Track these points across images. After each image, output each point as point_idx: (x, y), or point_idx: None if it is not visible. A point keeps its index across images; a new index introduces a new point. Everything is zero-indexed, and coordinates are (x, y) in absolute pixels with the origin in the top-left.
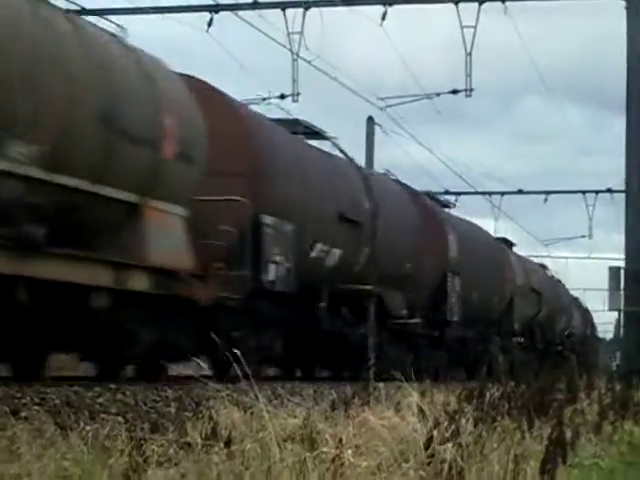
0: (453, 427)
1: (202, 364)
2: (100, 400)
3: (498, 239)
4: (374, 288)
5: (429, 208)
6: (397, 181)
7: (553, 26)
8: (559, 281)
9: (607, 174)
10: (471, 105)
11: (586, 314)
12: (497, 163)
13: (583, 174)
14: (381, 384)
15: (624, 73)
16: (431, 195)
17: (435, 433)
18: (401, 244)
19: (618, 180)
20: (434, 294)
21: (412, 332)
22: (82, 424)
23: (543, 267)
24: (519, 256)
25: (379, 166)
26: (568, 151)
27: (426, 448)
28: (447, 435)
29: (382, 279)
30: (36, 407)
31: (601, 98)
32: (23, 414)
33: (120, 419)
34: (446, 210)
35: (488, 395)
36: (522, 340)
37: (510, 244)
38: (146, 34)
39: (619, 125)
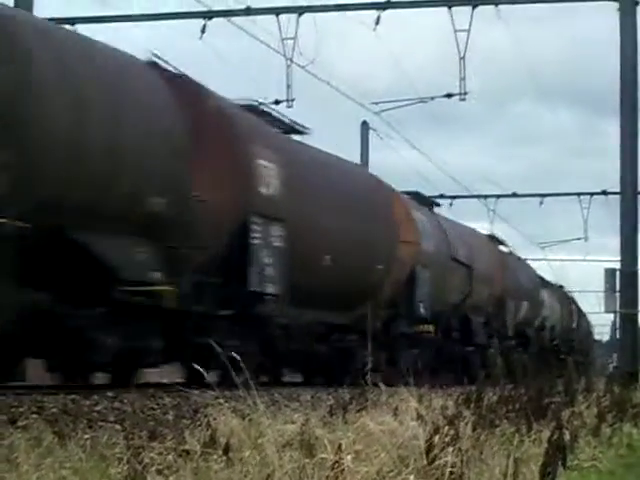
0: (452, 432)
1: (202, 371)
2: (98, 408)
3: (409, 193)
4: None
5: (217, 111)
6: (155, 65)
7: (545, 29)
8: (519, 259)
9: (601, 176)
10: (465, 108)
11: (571, 306)
12: (491, 166)
13: (577, 176)
14: (382, 388)
15: (616, 75)
16: (251, 106)
17: (435, 439)
18: (134, 159)
19: (612, 182)
20: (228, 250)
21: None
22: (80, 432)
23: (493, 239)
24: (438, 216)
25: (374, 170)
26: (561, 153)
27: (427, 453)
28: (446, 440)
29: (90, 216)
30: (34, 415)
31: (592, 100)
32: (21, 423)
33: (118, 427)
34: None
35: (486, 399)
36: (430, 329)
37: (431, 203)
38: (139, 42)
39: (610, 127)
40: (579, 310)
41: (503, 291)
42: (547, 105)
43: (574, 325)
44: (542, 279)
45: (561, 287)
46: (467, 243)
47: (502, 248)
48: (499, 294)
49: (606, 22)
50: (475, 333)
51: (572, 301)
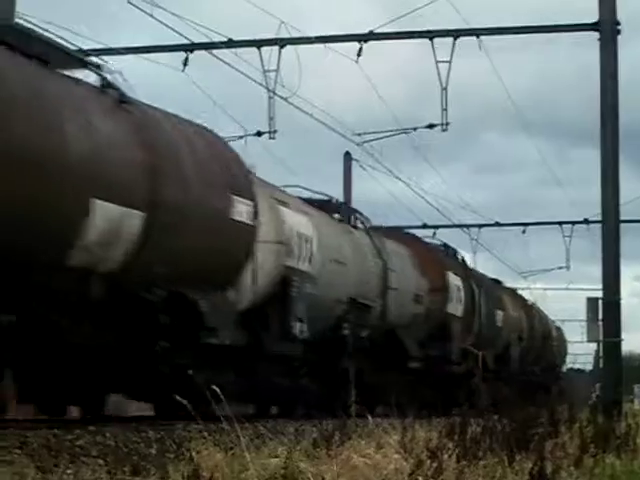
0: (435, 464)
1: (185, 403)
2: (80, 442)
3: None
4: None
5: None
6: None
7: (525, 58)
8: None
9: (581, 204)
10: (444, 137)
11: (452, 270)
12: (472, 194)
13: (557, 204)
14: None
15: (591, 104)
16: None
17: (419, 473)
18: None
19: (594, 210)
20: None
21: None
22: (62, 467)
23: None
24: None
25: (357, 201)
26: (540, 182)
27: None
28: (429, 473)
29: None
30: (17, 450)
31: (568, 129)
32: (4, 458)
33: (101, 461)
34: None
35: (470, 431)
36: None
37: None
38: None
39: (587, 155)
40: (490, 287)
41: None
42: (523, 134)
43: (457, 312)
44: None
45: (450, 248)
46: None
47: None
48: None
49: (587, 52)
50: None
51: (462, 267)
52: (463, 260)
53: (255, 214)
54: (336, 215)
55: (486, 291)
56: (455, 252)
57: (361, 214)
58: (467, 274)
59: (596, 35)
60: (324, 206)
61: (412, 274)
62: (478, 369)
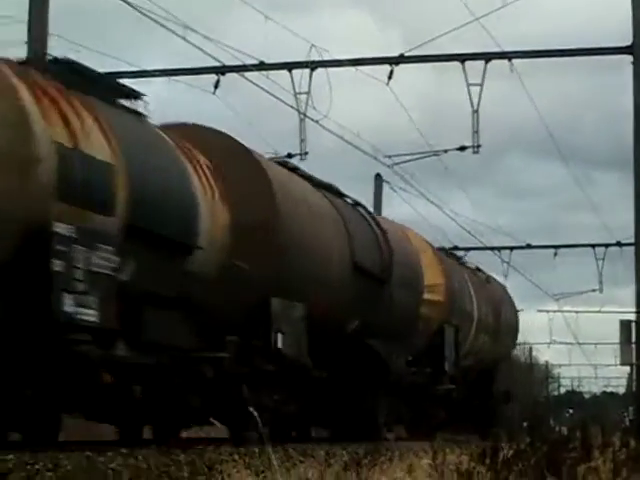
0: None
1: (218, 425)
2: (112, 465)
3: None
4: None
5: None
6: None
7: (552, 81)
8: None
9: (612, 227)
10: (470, 160)
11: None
12: (502, 218)
13: (588, 228)
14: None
15: (615, 129)
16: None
17: None
18: None
19: (625, 234)
20: None
21: None
22: None
23: None
24: None
25: None
26: (568, 205)
27: None
28: None
29: None
30: (49, 473)
31: (595, 151)
32: None
33: None
34: None
35: (501, 454)
36: None
37: None
38: (152, 97)
39: (614, 179)
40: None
41: None
42: (552, 156)
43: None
44: None
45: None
46: None
47: None
48: None
49: (618, 74)
50: None
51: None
52: None
53: None
54: None
55: None
56: None
57: None
58: None
59: (629, 58)
60: None
61: None
62: None
